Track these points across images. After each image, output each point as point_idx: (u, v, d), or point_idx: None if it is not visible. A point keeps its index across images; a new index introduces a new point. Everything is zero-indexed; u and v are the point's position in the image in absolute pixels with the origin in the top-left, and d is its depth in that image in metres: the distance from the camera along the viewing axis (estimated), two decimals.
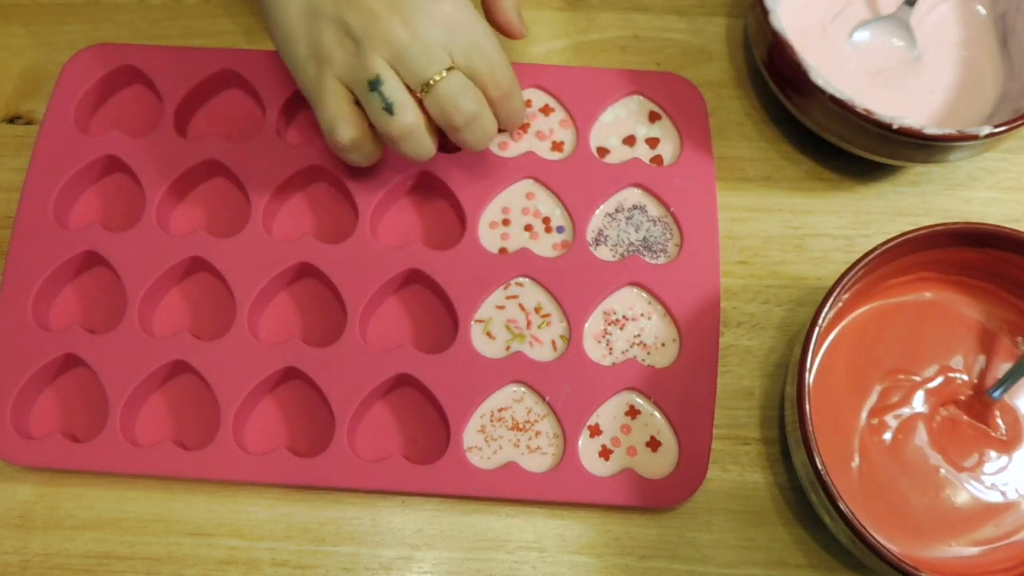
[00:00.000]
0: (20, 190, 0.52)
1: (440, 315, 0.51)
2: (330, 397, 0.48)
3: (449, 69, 0.45)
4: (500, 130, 0.50)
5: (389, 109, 0.44)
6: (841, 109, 0.49)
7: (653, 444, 0.49)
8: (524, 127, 0.54)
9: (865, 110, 0.48)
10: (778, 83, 0.53)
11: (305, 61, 0.46)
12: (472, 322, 0.50)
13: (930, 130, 0.48)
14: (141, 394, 0.49)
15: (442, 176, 0.52)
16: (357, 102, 0.46)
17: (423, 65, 0.44)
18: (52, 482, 0.49)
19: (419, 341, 0.51)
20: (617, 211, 0.53)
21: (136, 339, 0.49)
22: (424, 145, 0.46)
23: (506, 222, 0.52)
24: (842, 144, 0.52)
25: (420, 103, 0.45)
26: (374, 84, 0.44)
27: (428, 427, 0.50)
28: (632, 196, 0.53)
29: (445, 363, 0.49)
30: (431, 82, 0.44)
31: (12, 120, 0.56)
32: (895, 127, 0.48)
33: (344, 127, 0.46)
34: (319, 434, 0.49)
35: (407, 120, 0.45)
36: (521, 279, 0.51)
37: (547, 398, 0.49)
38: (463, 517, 0.49)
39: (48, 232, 0.51)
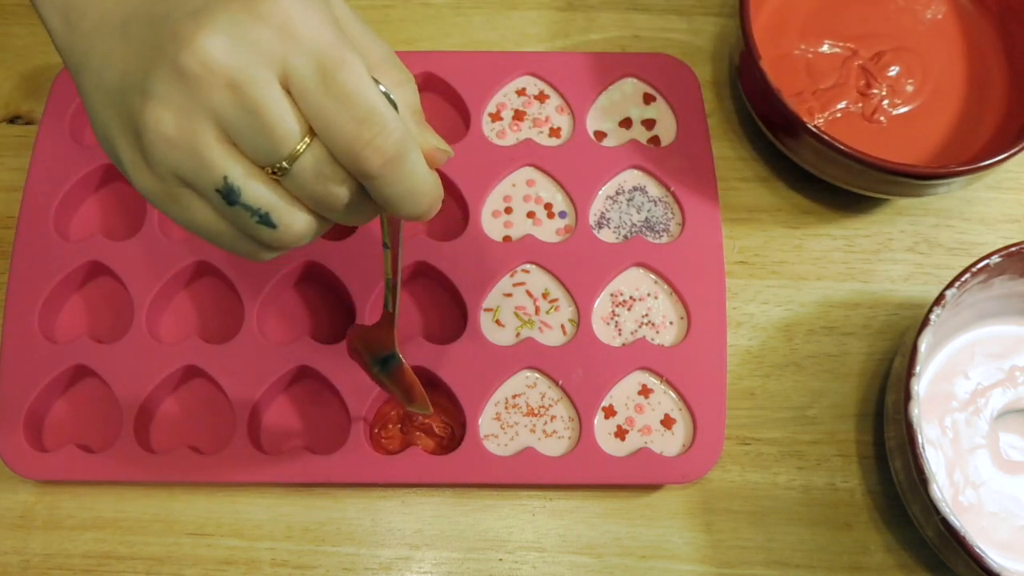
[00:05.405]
0: (20, 190, 0.51)
1: (448, 306, 0.52)
2: (344, 393, 0.48)
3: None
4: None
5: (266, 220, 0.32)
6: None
7: (667, 422, 0.49)
8: (520, 115, 0.54)
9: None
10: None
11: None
12: (481, 311, 0.50)
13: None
14: (154, 401, 0.49)
15: (442, 167, 0.52)
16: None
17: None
18: (52, 482, 0.49)
19: (429, 333, 0.51)
20: (618, 193, 0.53)
21: (145, 346, 0.49)
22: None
23: (508, 210, 0.53)
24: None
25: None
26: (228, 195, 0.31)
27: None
28: (632, 178, 0.53)
29: (457, 353, 0.49)
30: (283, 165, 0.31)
31: (12, 120, 0.56)
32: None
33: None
34: (336, 431, 0.49)
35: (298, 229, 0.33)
36: (527, 266, 0.51)
37: (560, 382, 0.49)
38: (463, 517, 0.49)
39: (50, 245, 0.50)
